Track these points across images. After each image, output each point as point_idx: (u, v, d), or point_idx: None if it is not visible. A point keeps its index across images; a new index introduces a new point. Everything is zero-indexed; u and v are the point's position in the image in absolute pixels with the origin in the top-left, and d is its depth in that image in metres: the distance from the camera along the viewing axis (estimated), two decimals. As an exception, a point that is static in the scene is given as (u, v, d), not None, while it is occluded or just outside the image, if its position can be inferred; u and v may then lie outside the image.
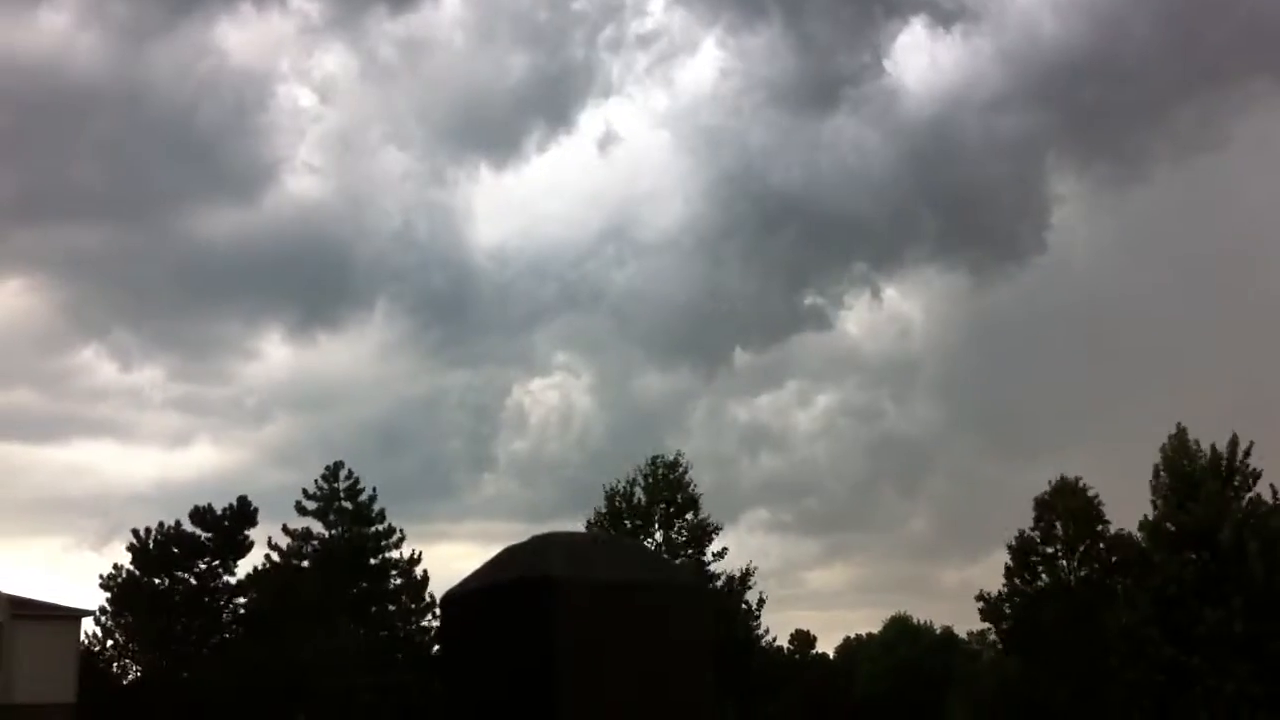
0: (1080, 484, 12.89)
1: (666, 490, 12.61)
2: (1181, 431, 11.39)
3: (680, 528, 12.62)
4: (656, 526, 12.57)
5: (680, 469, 12.76)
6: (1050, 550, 12.81)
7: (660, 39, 27.21)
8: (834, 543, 26.42)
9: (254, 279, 24.72)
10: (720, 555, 12.59)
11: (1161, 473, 11.37)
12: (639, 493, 12.59)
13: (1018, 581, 12.83)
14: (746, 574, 12.59)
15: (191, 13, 24.17)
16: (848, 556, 27.15)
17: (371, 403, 24.19)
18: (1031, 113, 26.00)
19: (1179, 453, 11.40)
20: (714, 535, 12.57)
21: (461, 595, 1.31)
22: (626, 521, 12.40)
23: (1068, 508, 12.70)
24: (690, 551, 12.40)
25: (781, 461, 24.84)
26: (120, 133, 23.66)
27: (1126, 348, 23.04)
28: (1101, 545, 12.72)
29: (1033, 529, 12.83)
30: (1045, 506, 12.87)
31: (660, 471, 12.65)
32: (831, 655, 19.95)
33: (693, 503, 12.59)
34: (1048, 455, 24.83)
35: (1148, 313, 23.44)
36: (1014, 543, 12.85)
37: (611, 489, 12.60)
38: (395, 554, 12.58)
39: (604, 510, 12.43)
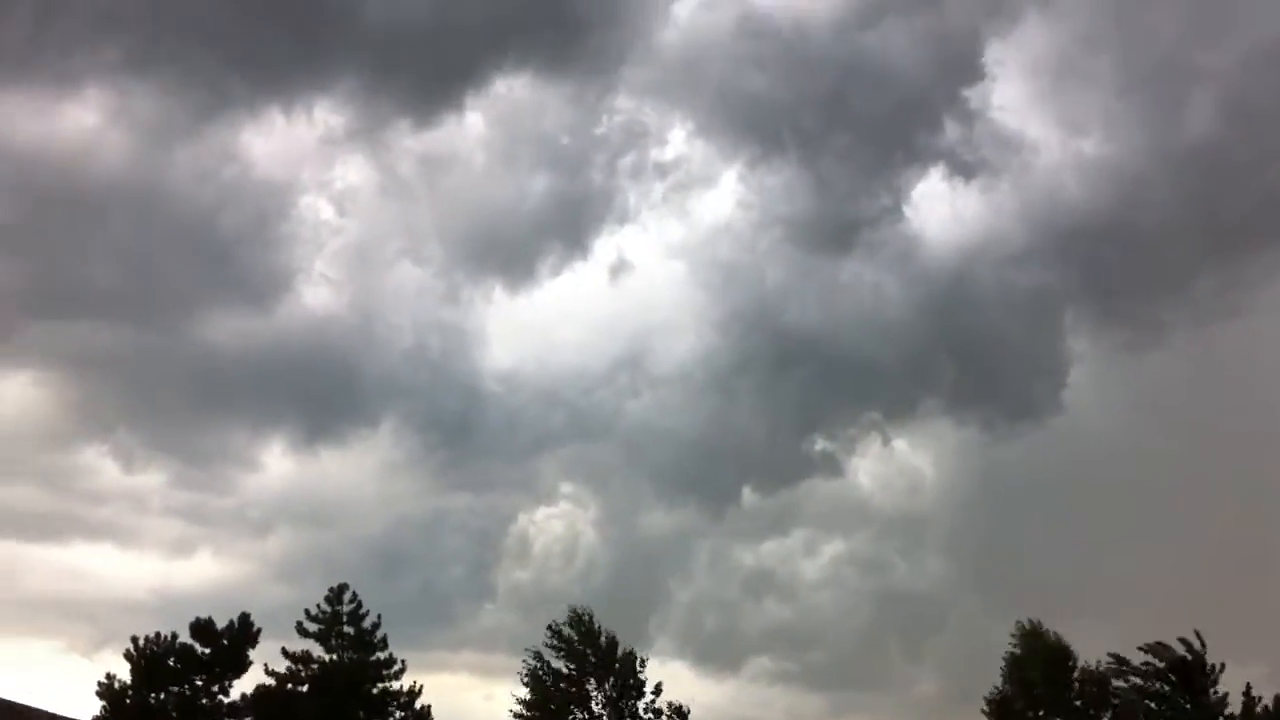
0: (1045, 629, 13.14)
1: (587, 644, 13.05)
2: None
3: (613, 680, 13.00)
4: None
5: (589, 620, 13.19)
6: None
7: (679, 169, 28.15)
8: (840, 700, 26.94)
9: (262, 388, 25.36)
10: (657, 693, 12.97)
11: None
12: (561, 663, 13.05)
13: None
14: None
15: (218, 118, 24.92)
16: (854, 715, 27.68)
17: (373, 522, 24.65)
18: (1051, 270, 26.84)
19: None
20: (643, 668, 12.99)
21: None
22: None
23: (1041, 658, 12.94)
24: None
25: (787, 610, 25.46)
26: (141, 233, 24.50)
27: (1139, 513, 23.80)
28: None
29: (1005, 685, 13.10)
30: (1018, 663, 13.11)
31: (577, 626, 13.11)
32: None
33: (613, 645, 13.03)
34: (1057, 619, 25.45)
35: (1161, 479, 24.17)
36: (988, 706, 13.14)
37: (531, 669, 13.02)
38: (396, 685, 12.88)
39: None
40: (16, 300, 23.37)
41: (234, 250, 24.79)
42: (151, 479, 24.95)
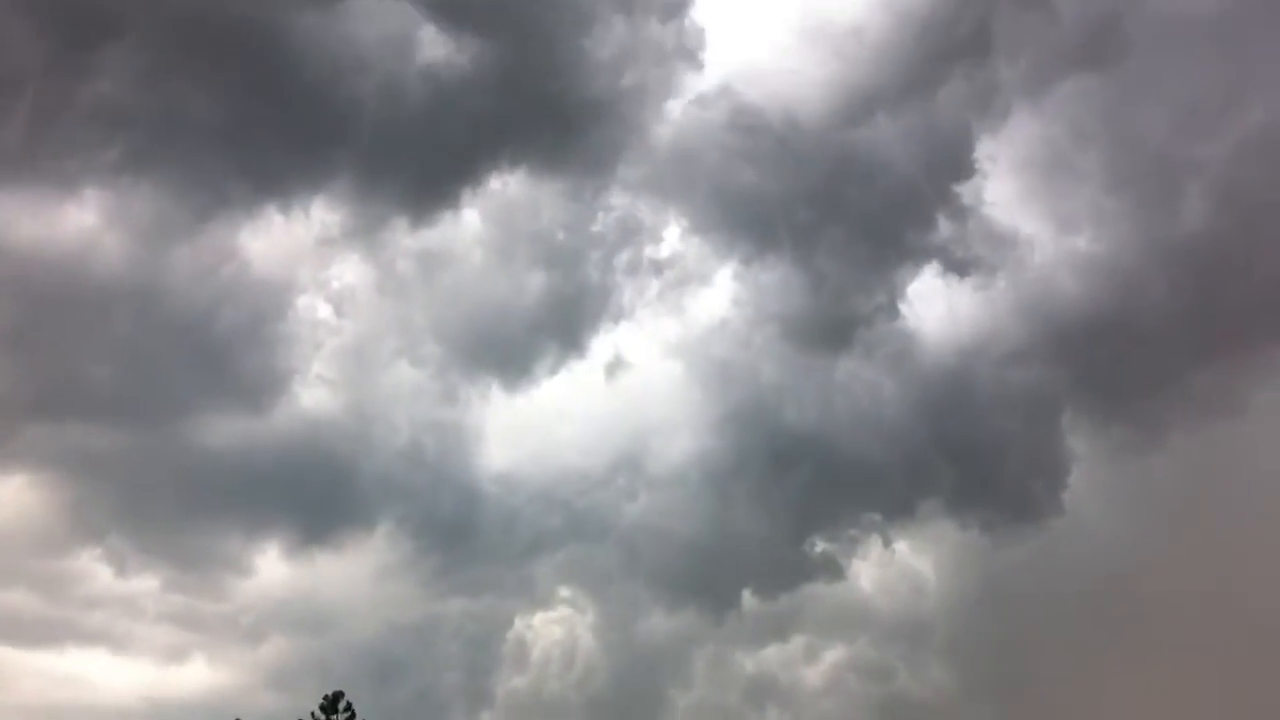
0: None
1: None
2: None
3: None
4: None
5: None
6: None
7: (674, 266, 28.32)
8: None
9: (256, 491, 25.31)
10: None
11: None
12: None
13: None
14: None
15: (217, 217, 25.36)
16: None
17: (368, 627, 24.62)
18: (1048, 368, 26.91)
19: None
20: None
21: None
22: None
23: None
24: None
25: (788, 719, 25.15)
26: (137, 334, 24.67)
27: (1142, 622, 23.50)
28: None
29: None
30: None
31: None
32: None
33: None
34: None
35: (1162, 586, 23.88)
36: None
37: None
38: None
39: None
40: (13, 404, 23.62)
41: (231, 351, 25.03)
42: (145, 584, 24.86)
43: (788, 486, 27.35)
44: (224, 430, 25.20)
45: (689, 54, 24.91)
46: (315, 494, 25.39)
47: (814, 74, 25.41)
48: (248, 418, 25.66)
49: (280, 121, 23.74)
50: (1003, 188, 26.43)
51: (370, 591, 24.63)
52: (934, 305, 28.35)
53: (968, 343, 27.56)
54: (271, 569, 25.91)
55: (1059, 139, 26.53)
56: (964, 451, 26.52)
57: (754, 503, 27.83)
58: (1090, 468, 27.55)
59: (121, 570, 24.57)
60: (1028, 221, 26.48)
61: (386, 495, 25.74)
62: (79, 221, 24.01)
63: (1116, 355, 27.03)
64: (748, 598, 25.68)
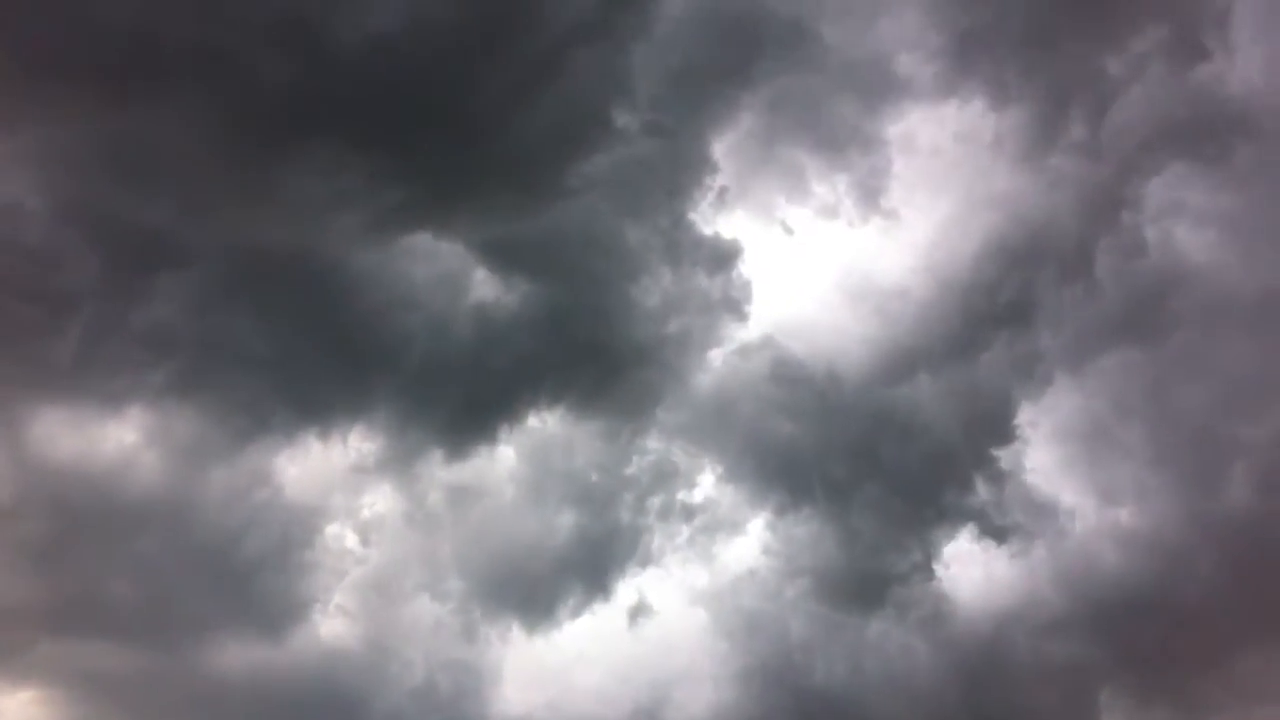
0: None
1: None
2: None
3: None
4: None
5: None
6: None
7: (706, 512, 28.26)
8: None
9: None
10: None
11: None
12: None
13: None
14: None
15: (256, 439, 25.63)
16: None
17: None
18: (1087, 644, 26.15)
19: None
20: None
21: None
22: None
23: None
24: None
25: None
26: (165, 554, 24.52)
27: None
28: None
29: None
30: None
31: None
32: None
33: None
34: None
35: None
36: None
37: None
38: None
39: None
40: (33, 618, 23.60)
41: (254, 576, 24.88)
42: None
43: (812, 747, 26.79)
44: (239, 655, 24.68)
45: (734, 305, 25.45)
46: (323, 727, 25.09)
47: (856, 331, 25.86)
48: (264, 645, 25.11)
49: (327, 352, 24.27)
50: (1042, 456, 26.52)
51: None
52: (970, 569, 28.22)
53: (1004, 610, 26.79)
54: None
55: (1100, 411, 26.74)
56: (998, 723, 25.96)
57: (777, 763, 27.28)
58: (1129, 748, 27.01)
59: (119, 800, 24.39)
60: (1068, 492, 26.43)
61: (397, 735, 25.41)
62: (120, 440, 24.25)
63: (1158, 633, 25.97)
64: None
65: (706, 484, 29.17)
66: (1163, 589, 25.84)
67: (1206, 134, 24.78)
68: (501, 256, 23.92)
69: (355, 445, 26.28)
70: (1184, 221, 25.52)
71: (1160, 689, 26.72)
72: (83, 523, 23.86)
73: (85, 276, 22.11)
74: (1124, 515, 26.59)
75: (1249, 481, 25.89)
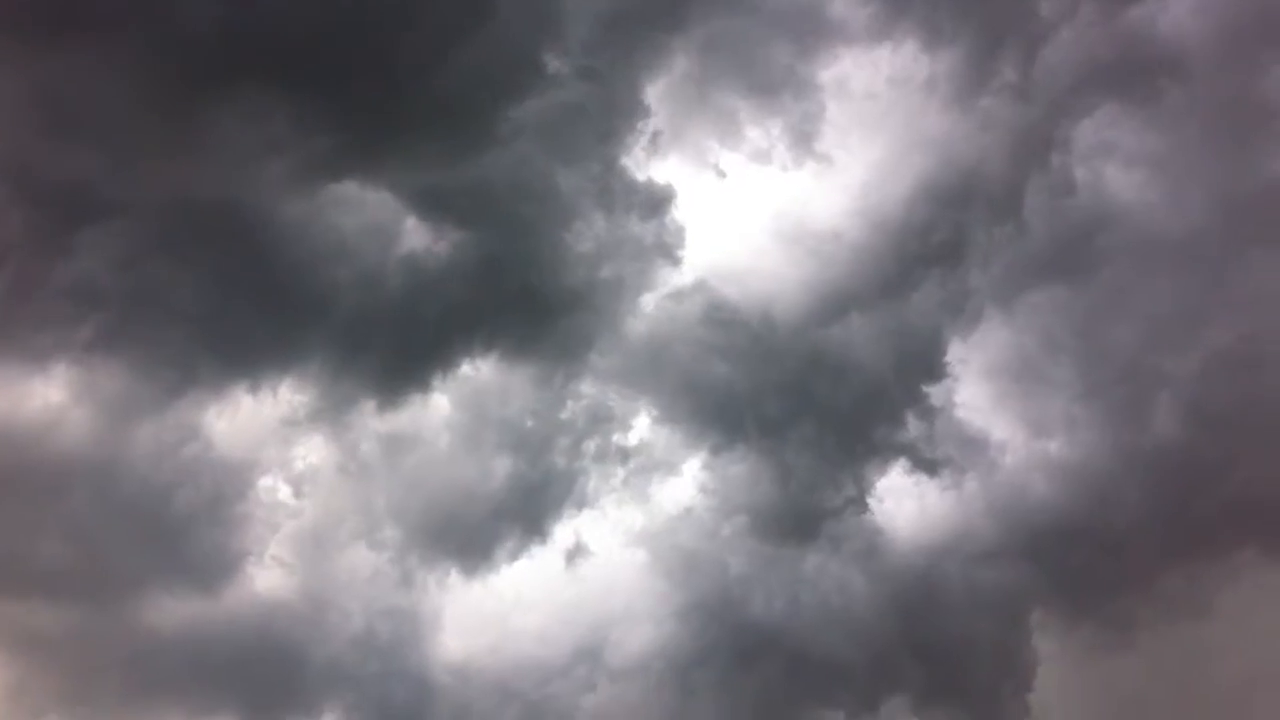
0: None
1: None
2: None
3: None
4: None
5: None
6: None
7: (642, 454, 28.51)
8: None
9: (202, 674, 24.59)
10: None
11: None
12: None
13: None
14: None
15: (185, 393, 25.31)
16: None
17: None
18: (1018, 571, 26.92)
19: None
20: None
21: None
22: None
23: None
24: None
25: None
26: (94, 511, 24.25)
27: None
28: None
29: None
30: None
31: None
32: None
33: None
34: None
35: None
36: None
37: None
38: None
39: None
40: (-40, 581, 23.44)
41: (186, 531, 24.64)
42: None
43: (751, 680, 27.03)
44: (173, 611, 24.49)
45: (667, 249, 25.52)
46: (262, 679, 24.45)
47: (790, 274, 26.10)
48: (198, 599, 25.05)
49: (256, 304, 24.00)
50: (973, 391, 27.10)
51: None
52: (903, 503, 28.90)
53: (937, 541, 27.44)
54: (214, 756, 25.60)
55: (1030, 347, 27.34)
56: (932, 650, 26.18)
57: (716, 695, 27.66)
58: (1057, 668, 27.82)
59: (56, 758, 24.30)
60: (998, 425, 27.07)
61: (335, 682, 24.74)
62: (46, 398, 23.89)
63: (1086, 558, 26.88)
64: (710, 797, 25.56)
65: (642, 426, 29.38)
66: (1091, 516, 26.64)
67: (1137, 76, 25.22)
68: (432, 204, 23.71)
69: (286, 397, 26.07)
70: (1113, 162, 26.02)
71: (1088, 610, 27.60)
72: (10, 481, 23.59)
73: (7, 231, 21.66)
74: (1053, 447, 27.33)
75: (1173, 413, 26.77)
